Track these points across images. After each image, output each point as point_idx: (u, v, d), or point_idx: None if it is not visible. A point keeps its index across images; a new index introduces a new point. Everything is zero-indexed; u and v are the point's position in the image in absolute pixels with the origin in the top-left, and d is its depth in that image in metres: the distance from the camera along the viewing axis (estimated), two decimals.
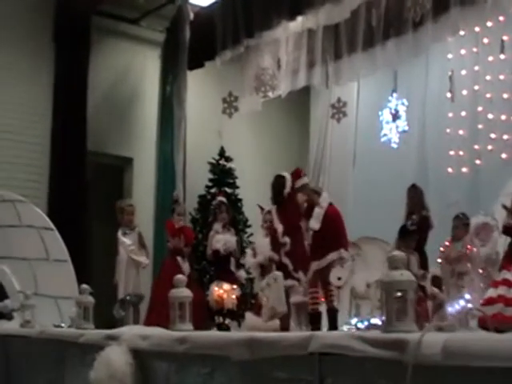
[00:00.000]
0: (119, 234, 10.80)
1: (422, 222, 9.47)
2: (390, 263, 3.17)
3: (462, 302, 8.47)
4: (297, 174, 9.11)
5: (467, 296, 8.54)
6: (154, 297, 10.66)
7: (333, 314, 8.36)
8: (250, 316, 9.25)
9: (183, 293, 4.53)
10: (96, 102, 13.30)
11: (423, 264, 9.08)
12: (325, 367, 3.23)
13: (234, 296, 10.88)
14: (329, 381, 3.21)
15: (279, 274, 8.25)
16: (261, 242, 10.21)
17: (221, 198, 11.95)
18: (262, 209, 10.89)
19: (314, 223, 8.34)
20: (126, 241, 10.72)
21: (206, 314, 10.25)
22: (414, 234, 9.00)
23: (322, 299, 8.57)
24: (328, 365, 3.22)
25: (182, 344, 4.07)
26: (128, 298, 10.58)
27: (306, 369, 3.29)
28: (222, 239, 11.05)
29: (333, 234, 8.38)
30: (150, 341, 4.42)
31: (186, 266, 10.81)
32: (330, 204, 8.62)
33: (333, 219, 8.44)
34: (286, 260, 8.57)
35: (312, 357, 3.26)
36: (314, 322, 8.33)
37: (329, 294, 8.58)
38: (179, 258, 10.92)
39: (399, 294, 3.10)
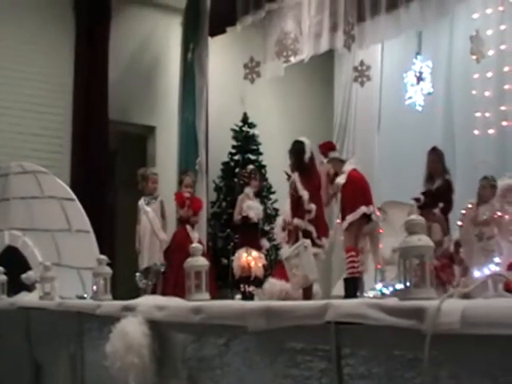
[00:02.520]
0: (141, 203, 10.74)
1: (446, 186, 9.34)
2: (407, 228, 3.03)
3: (492, 267, 8.33)
4: (329, 147, 9.14)
5: (497, 260, 8.40)
6: (167, 266, 10.63)
7: (355, 281, 8.32)
8: (273, 281, 9.21)
9: (199, 261, 4.43)
10: (118, 71, 13.21)
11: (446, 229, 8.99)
12: (342, 337, 3.14)
13: (260, 264, 10.86)
14: (346, 351, 3.12)
15: (308, 241, 8.13)
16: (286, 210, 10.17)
17: (252, 166, 11.95)
18: (288, 176, 10.82)
19: (340, 179, 8.44)
20: (149, 210, 10.64)
21: (215, 283, 10.23)
22: (432, 202, 8.93)
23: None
24: (345, 334, 3.13)
25: (198, 314, 4.00)
26: (152, 267, 10.54)
27: (323, 338, 3.20)
28: (253, 206, 11.01)
29: (359, 191, 8.47)
30: (166, 311, 4.35)
31: (195, 235, 10.81)
32: (354, 169, 8.67)
33: (357, 180, 8.54)
34: (310, 227, 8.49)
35: (329, 326, 3.17)
36: (350, 288, 8.25)
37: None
38: (188, 227, 10.93)
39: (417, 260, 2.96)
